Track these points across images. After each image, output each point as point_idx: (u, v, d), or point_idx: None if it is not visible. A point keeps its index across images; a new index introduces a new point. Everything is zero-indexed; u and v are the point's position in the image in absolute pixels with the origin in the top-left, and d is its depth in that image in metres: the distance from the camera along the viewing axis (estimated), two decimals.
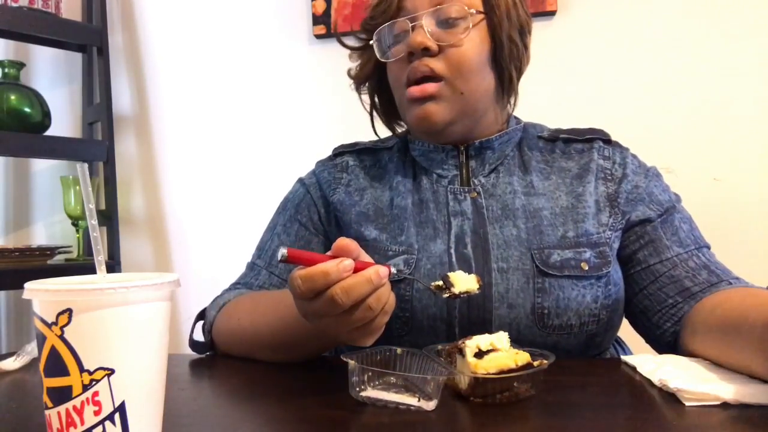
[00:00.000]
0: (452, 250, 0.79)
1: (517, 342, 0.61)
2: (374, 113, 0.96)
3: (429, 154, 0.88)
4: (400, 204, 0.86)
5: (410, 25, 0.81)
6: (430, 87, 0.80)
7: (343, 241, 0.57)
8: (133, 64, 2.00)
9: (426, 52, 0.80)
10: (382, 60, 0.86)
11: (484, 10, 0.82)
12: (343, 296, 0.55)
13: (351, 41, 0.92)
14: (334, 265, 0.55)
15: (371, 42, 0.86)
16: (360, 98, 0.96)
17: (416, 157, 0.90)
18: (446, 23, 0.80)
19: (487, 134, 0.87)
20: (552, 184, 0.84)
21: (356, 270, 0.56)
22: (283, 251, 0.55)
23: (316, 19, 1.78)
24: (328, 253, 0.59)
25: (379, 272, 0.56)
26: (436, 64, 0.80)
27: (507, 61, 0.84)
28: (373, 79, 0.93)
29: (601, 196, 0.82)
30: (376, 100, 0.95)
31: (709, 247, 0.82)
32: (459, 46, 0.80)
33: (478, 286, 0.65)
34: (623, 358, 0.73)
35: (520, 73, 0.87)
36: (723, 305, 0.70)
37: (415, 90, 0.81)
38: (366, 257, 0.60)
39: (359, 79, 0.93)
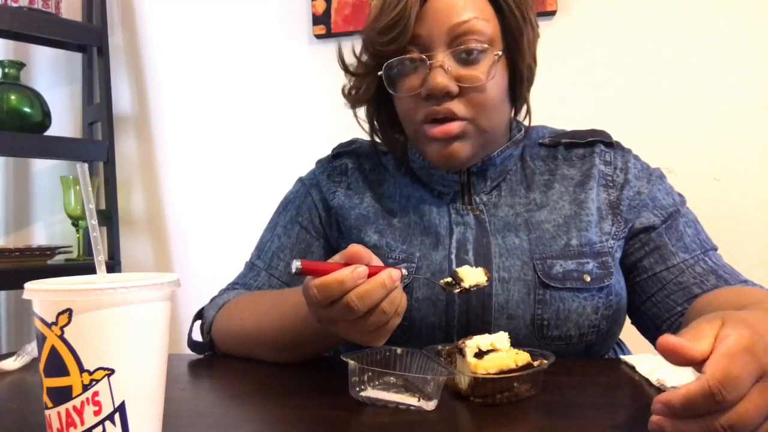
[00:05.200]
0: (453, 256, 0.78)
1: None
2: (373, 126, 0.90)
3: (429, 170, 0.85)
4: (401, 211, 0.85)
5: (428, 62, 0.75)
6: (454, 127, 0.75)
7: (354, 248, 0.58)
8: (133, 64, 2.00)
9: (447, 95, 0.75)
10: (393, 93, 0.80)
11: (504, 42, 0.78)
12: (358, 303, 0.55)
13: (349, 43, 0.86)
14: (349, 272, 0.55)
15: (379, 73, 0.79)
16: (355, 116, 0.88)
17: (416, 169, 0.87)
18: (466, 60, 0.75)
19: (491, 152, 0.83)
20: (555, 192, 0.82)
21: (369, 275, 0.56)
22: (297, 264, 0.55)
23: (316, 19, 1.78)
24: (336, 257, 0.59)
25: (392, 276, 0.57)
26: (458, 107, 0.75)
27: (526, 90, 0.82)
28: (373, 99, 0.86)
29: (602, 204, 0.81)
30: (375, 119, 0.89)
31: (716, 249, 0.81)
32: (483, 91, 0.75)
33: (486, 279, 0.65)
34: (622, 357, 0.73)
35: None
36: (712, 304, 0.70)
37: (438, 132, 0.76)
38: (377, 261, 0.60)
39: (360, 103, 0.86)
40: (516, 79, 0.81)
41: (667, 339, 0.44)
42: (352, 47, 0.84)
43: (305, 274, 0.57)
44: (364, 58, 0.83)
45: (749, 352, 0.42)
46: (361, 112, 0.88)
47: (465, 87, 0.75)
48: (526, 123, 0.87)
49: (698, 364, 0.44)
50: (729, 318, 0.47)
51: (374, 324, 0.58)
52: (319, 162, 0.95)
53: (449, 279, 0.66)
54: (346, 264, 0.57)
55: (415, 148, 0.85)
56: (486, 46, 0.75)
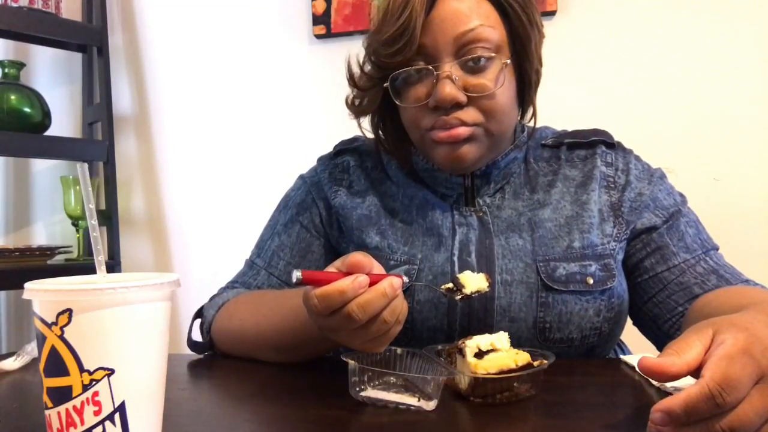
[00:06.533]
0: (455, 258, 0.78)
1: None
2: (378, 136, 0.89)
3: (433, 172, 0.84)
4: (403, 211, 0.85)
5: (435, 73, 0.74)
6: (462, 132, 0.74)
7: (356, 257, 0.57)
8: (133, 64, 2.00)
9: (456, 105, 0.74)
10: (399, 104, 0.79)
11: (512, 48, 0.77)
12: (359, 312, 0.55)
13: (354, 50, 0.84)
14: (350, 282, 0.55)
15: (385, 85, 0.78)
16: (359, 125, 0.87)
17: (419, 171, 0.86)
18: (474, 68, 0.74)
19: (497, 155, 0.82)
20: (558, 192, 0.82)
21: (370, 283, 0.56)
22: (297, 274, 0.55)
23: (316, 19, 1.78)
24: (337, 263, 0.59)
25: (393, 284, 0.56)
26: (467, 115, 0.74)
27: (533, 93, 0.81)
28: (377, 109, 0.84)
29: (604, 205, 0.81)
30: (380, 130, 0.88)
31: (717, 249, 0.81)
32: (492, 98, 0.74)
33: (487, 284, 0.65)
34: (623, 357, 0.73)
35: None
36: (712, 303, 0.70)
37: (445, 136, 0.75)
38: (379, 268, 0.59)
39: (365, 114, 0.85)
40: (524, 83, 0.80)
41: (645, 361, 0.44)
42: (357, 58, 0.83)
43: (306, 284, 0.57)
44: (368, 68, 0.81)
45: (747, 353, 0.42)
46: (365, 120, 0.87)
47: (473, 96, 0.74)
48: (530, 125, 0.86)
49: (693, 373, 0.44)
50: (722, 323, 0.47)
51: (375, 333, 0.58)
52: (321, 159, 0.95)
53: (450, 285, 0.65)
54: (347, 273, 0.57)
55: (421, 153, 0.84)
56: (493, 54, 0.74)
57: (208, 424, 0.54)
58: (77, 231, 1.87)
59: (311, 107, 1.83)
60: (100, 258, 0.48)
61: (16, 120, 1.74)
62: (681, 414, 0.41)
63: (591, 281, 0.76)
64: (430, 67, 0.74)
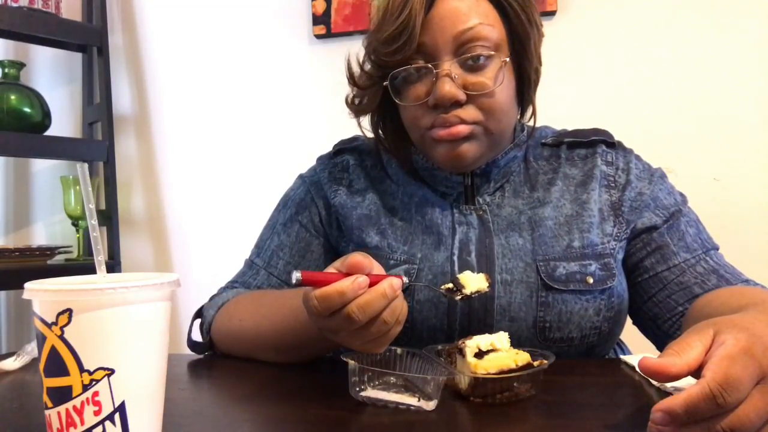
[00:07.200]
0: (455, 257, 0.78)
1: None
2: (378, 135, 0.89)
3: (432, 171, 0.84)
4: (402, 209, 0.85)
5: (434, 71, 0.74)
6: (462, 130, 0.75)
7: (355, 258, 0.57)
8: (133, 64, 2.00)
9: (455, 104, 0.74)
10: (399, 103, 0.79)
11: (511, 46, 0.77)
12: (359, 313, 0.55)
13: (354, 49, 0.84)
14: (349, 283, 0.55)
15: (385, 83, 0.78)
16: (359, 124, 0.87)
17: (419, 170, 0.86)
18: (473, 67, 0.74)
19: (497, 154, 0.82)
20: (558, 190, 0.82)
21: (370, 284, 0.56)
22: (297, 275, 0.55)
23: (316, 19, 1.78)
24: (337, 263, 0.59)
25: (393, 285, 0.57)
26: (467, 113, 0.74)
27: (533, 92, 0.81)
28: (377, 108, 0.85)
29: (604, 205, 0.81)
30: (380, 129, 0.88)
31: (717, 249, 0.81)
32: (491, 96, 0.75)
33: (487, 285, 0.65)
34: (623, 358, 0.73)
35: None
36: (712, 303, 0.70)
37: (445, 134, 0.75)
38: (378, 269, 0.59)
39: (364, 112, 0.85)
40: (523, 82, 0.81)
41: (646, 362, 0.44)
42: (357, 57, 0.83)
43: (305, 285, 0.57)
44: (368, 67, 0.81)
45: (748, 354, 0.42)
46: (365, 119, 0.87)
47: (473, 94, 0.74)
48: (530, 124, 0.86)
49: (693, 373, 0.44)
50: (723, 324, 0.47)
51: (375, 333, 0.58)
52: (320, 159, 0.95)
53: (450, 285, 0.65)
54: (347, 274, 0.57)
55: (421, 152, 0.84)
56: (492, 52, 0.74)
57: (208, 424, 0.54)
58: (77, 231, 1.87)
59: (311, 107, 1.83)
60: (100, 258, 0.48)
61: (16, 120, 1.74)
62: (682, 414, 0.41)
63: (591, 280, 0.76)
64: (430, 66, 0.75)
